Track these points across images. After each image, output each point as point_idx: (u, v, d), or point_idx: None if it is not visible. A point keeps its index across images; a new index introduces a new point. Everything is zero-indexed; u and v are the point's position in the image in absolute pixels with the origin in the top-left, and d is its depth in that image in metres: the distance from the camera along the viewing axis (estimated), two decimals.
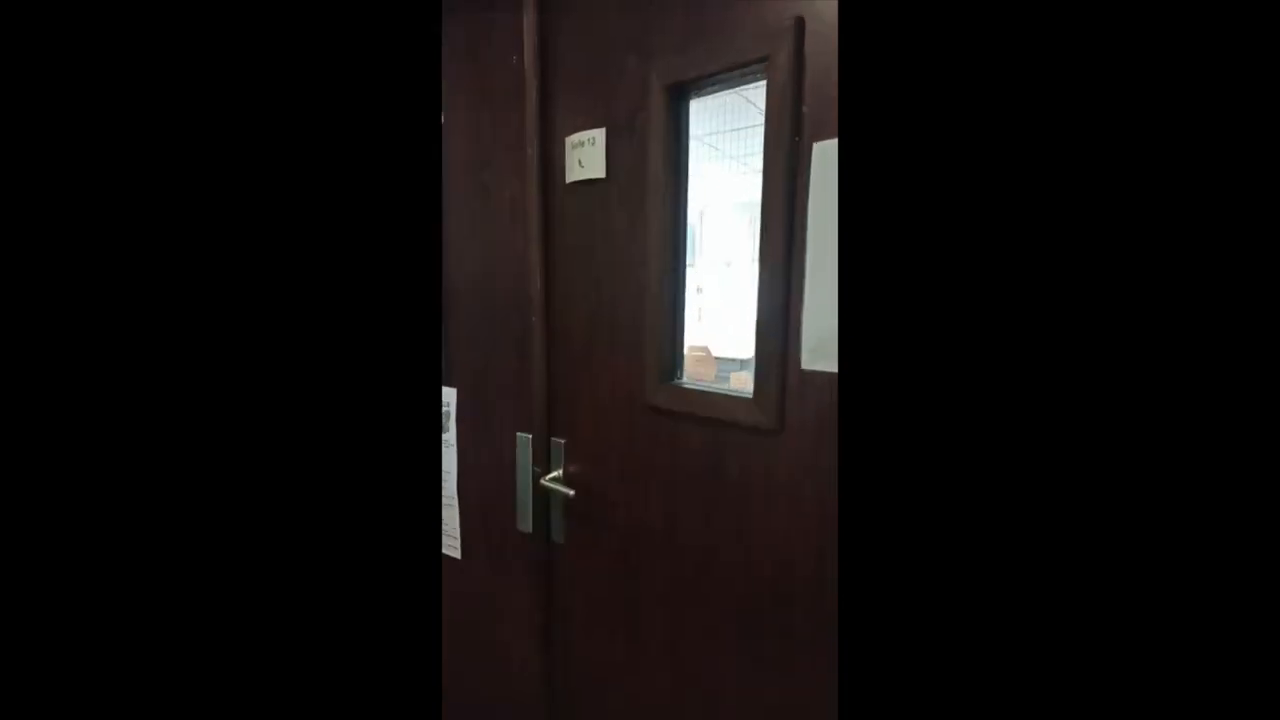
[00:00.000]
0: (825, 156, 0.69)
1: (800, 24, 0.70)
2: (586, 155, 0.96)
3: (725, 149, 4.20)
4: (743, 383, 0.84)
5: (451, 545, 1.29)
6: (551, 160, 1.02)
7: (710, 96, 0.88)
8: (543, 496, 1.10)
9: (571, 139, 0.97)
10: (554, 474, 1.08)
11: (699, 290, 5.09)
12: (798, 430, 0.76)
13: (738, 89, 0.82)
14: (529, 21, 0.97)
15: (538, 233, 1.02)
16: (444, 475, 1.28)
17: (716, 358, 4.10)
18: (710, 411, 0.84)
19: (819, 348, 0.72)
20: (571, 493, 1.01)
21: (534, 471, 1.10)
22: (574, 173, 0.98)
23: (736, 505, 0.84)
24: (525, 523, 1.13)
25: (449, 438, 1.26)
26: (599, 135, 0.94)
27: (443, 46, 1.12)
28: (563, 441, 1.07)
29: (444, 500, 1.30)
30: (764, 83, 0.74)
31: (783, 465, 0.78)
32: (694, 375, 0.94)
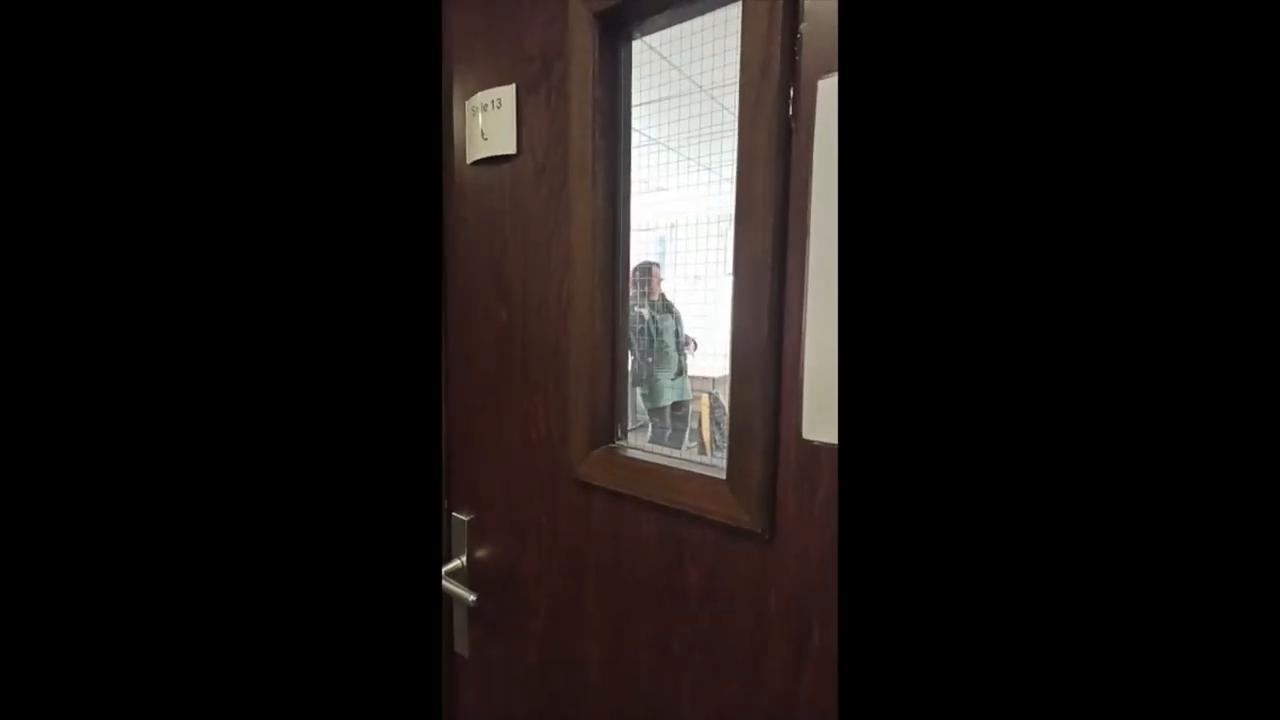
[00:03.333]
0: (835, 101, 0.42)
1: None
2: (492, 123, 0.68)
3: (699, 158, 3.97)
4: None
5: None
6: (448, 132, 0.74)
7: (661, 41, 0.61)
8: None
9: (473, 102, 0.70)
10: (454, 564, 0.78)
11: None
12: (796, 535, 0.48)
13: (704, 17, 0.56)
14: None
15: None
16: None
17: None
18: (664, 494, 0.56)
19: (832, 405, 0.45)
20: (472, 598, 0.71)
21: None
22: (476, 147, 0.70)
23: (703, 637, 0.55)
24: None
25: None
26: (506, 95, 0.66)
27: None
28: (467, 519, 0.77)
29: None
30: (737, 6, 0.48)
31: (775, 591, 0.50)
32: None
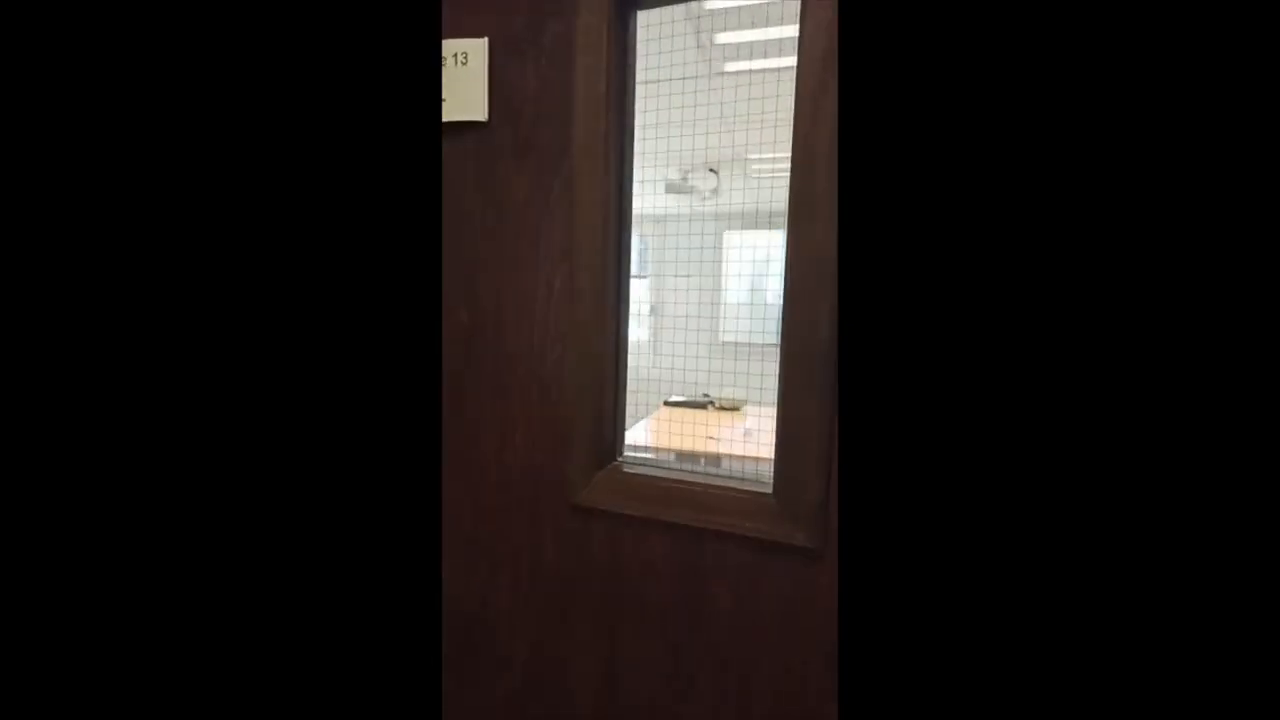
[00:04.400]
0: None
1: None
2: (454, 82, 0.57)
3: None
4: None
5: None
6: None
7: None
8: None
9: None
10: None
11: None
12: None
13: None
14: None
15: None
16: None
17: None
18: (689, 514, 0.51)
19: None
20: None
21: None
22: None
23: (726, 654, 0.51)
24: None
25: None
26: (475, 50, 0.56)
27: None
28: None
29: None
30: None
31: (823, 612, 0.48)
32: None
